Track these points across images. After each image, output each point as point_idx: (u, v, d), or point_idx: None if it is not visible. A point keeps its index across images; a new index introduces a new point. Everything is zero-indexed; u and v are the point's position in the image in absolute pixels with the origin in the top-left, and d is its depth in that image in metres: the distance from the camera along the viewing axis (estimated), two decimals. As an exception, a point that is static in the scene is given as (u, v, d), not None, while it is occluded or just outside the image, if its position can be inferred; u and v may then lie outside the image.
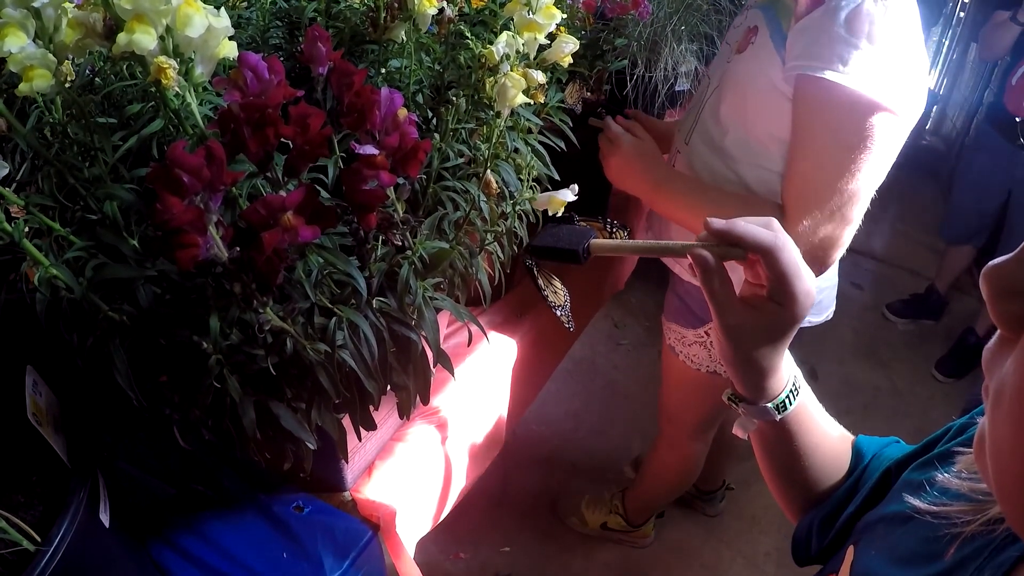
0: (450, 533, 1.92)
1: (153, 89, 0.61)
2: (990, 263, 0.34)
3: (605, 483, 2.10)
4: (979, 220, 2.76)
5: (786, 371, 0.63)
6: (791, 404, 0.63)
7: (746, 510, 2.15)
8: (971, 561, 0.47)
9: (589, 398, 2.53)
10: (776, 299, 0.56)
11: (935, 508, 0.51)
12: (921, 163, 4.27)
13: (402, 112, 0.52)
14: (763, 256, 0.55)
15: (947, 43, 4.97)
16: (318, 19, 0.93)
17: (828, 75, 0.91)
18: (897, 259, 3.63)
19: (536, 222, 0.93)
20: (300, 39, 1.00)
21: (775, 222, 0.56)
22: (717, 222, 0.56)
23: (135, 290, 0.58)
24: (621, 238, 1.23)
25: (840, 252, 1.02)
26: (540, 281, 1.07)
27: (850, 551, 0.59)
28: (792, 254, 0.55)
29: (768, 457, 0.71)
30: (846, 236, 1.00)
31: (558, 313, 1.11)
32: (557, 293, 1.12)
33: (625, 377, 2.64)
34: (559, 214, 0.86)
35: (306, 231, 0.48)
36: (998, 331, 0.36)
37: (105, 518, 0.75)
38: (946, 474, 0.53)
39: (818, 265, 1.01)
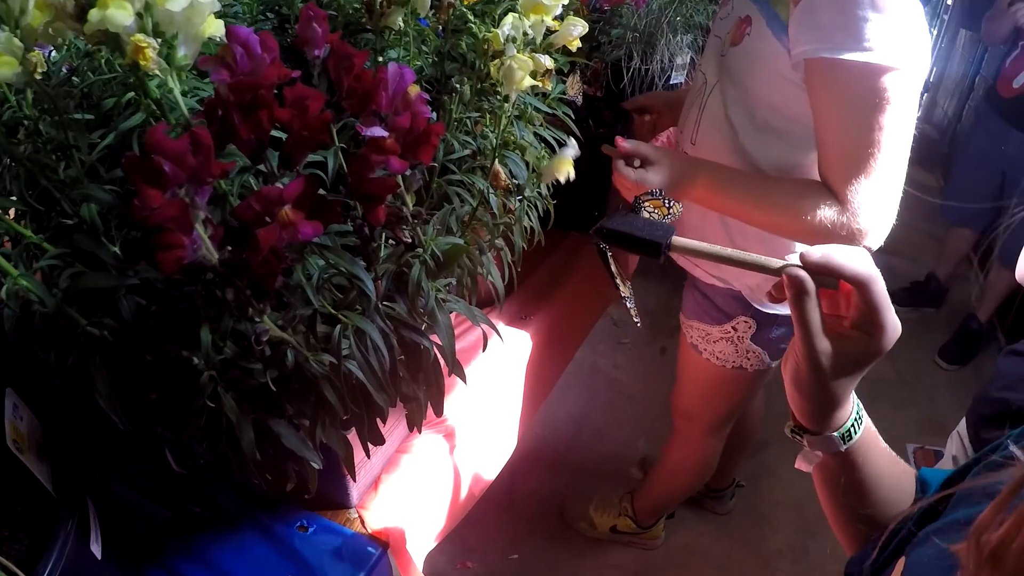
0: (457, 542, 1.88)
1: (132, 79, 0.55)
2: None
3: (612, 485, 2.06)
4: (978, 199, 2.73)
5: (852, 399, 0.61)
6: (856, 432, 0.61)
7: (757, 508, 2.11)
8: None
9: (592, 399, 2.48)
10: (865, 329, 0.55)
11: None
12: (915, 151, 4.23)
13: (413, 89, 0.46)
14: (859, 288, 0.54)
15: (935, 31, 4.96)
16: (307, 8, 0.88)
17: (846, 56, 0.90)
18: (895, 247, 3.57)
19: (546, 215, 0.88)
20: (290, 31, 0.94)
21: (867, 253, 0.56)
22: (814, 254, 0.55)
23: (117, 301, 0.52)
24: (677, 212, 1.16)
25: (891, 217, 1.02)
26: (613, 267, 0.99)
27: (900, 562, 0.56)
28: (883, 286, 0.55)
29: (832, 491, 0.68)
30: (893, 197, 1.00)
31: (628, 305, 1.04)
32: (626, 283, 1.05)
33: (627, 376, 2.59)
34: (571, 177, 0.76)
35: (307, 227, 0.43)
36: None
37: (96, 549, 0.70)
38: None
39: (875, 235, 1.02)
